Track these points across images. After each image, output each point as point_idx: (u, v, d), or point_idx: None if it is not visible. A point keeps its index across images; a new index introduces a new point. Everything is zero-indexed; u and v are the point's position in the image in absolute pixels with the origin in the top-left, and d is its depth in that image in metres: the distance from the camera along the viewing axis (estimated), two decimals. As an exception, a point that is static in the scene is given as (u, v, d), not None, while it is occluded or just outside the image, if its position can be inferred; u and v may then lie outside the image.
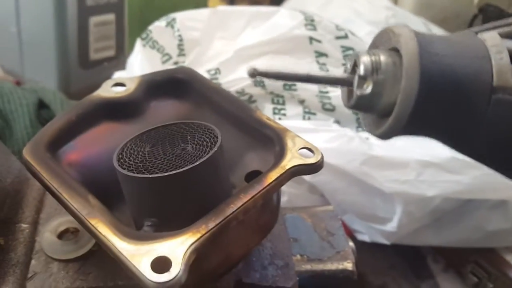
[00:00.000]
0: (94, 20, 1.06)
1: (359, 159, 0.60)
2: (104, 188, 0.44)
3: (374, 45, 0.39)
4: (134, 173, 0.38)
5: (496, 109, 0.34)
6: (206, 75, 0.73)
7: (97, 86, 1.18)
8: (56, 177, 0.39)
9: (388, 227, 0.67)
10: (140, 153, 0.40)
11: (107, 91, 0.49)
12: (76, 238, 0.45)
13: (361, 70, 0.33)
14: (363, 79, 0.33)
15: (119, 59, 1.15)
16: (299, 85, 0.69)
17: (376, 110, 0.36)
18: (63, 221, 0.46)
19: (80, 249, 0.44)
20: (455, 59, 0.34)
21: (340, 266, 0.51)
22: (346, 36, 0.75)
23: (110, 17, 1.09)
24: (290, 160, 0.42)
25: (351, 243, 0.55)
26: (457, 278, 0.84)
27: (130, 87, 0.49)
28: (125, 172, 0.37)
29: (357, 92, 0.34)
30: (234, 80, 0.70)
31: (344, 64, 0.76)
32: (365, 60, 0.34)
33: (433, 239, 0.75)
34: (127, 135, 0.47)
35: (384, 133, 0.37)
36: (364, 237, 0.73)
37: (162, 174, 0.37)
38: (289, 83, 0.68)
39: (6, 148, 0.50)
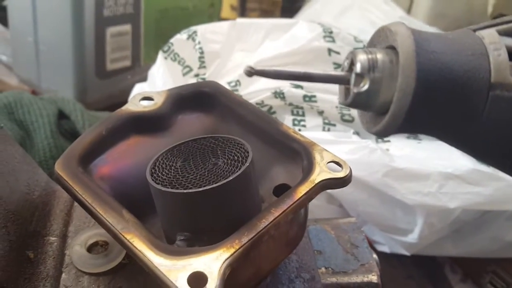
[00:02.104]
0: (111, 30, 1.07)
1: (381, 171, 0.60)
2: (134, 202, 0.44)
3: (372, 44, 0.39)
4: (168, 188, 0.38)
5: (494, 106, 0.34)
6: (226, 87, 0.73)
7: (113, 96, 1.19)
8: (89, 191, 0.40)
9: (409, 238, 0.68)
10: (173, 167, 0.41)
11: (136, 105, 0.49)
12: (106, 251, 0.45)
13: (358, 68, 0.34)
14: (359, 77, 0.34)
15: (135, 70, 1.16)
16: (319, 96, 0.69)
17: (373, 108, 0.36)
18: (92, 234, 0.47)
19: (110, 263, 0.44)
20: (452, 57, 0.34)
21: (365, 279, 0.52)
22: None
23: (127, 27, 1.10)
24: (319, 174, 0.42)
25: (374, 256, 0.55)
26: (475, 289, 0.84)
27: (158, 101, 0.50)
28: (159, 187, 0.38)
29: (354, 89, 0.35)
30: (254, 92, 0.71)
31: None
32: (361, 58, 0.34)
33: (452, 249, 0.75)
34: (155, 148, 0.48)
35: (381, 130, 0.38)
36: (384, 248, 0.73)
37: (197, 189, 0.37)
38: (309, 94, 0.69)
39: (32, 160, 0.51)
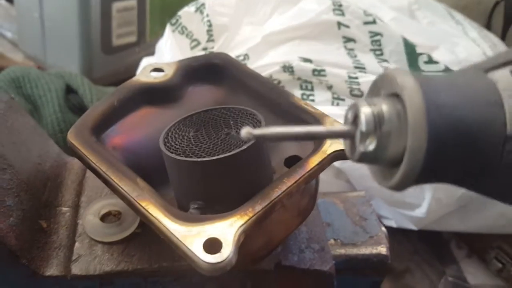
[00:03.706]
0: (116, 5, 1.06)
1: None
2: (146, 172, 0.45)
3: (375, 88, 0.36)
4: (182, 157, 0.38)
5: (510, 158, 0.33)
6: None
7: (119, 72, 1.19)
8: (103, 160, 0.40)
9: (417, 213, 0.68)
10: (185, 137, 0.41)
11: (146, 76, 0.49)
12: (119, 220, 0.46)
13: (363, 126, 0.31)
14: (365, 134, 0.31)
15: (140, 45, 1.15)
16: (328, 70, 0.69)
17: (382, 163, 0.34)
18: (105, 204, 0.47)
19: (123, 232, 0.44)
20: (464, 110, 0.32)
21: (374, 251, 0.52)
22: (374, 22, 0.75)
23: (132, 3, 1.09)
24: (331, 145, 0.42)
25: (383, 228, 0.55)
26: (481, 264, 0.85)
27: (169, 72, 0.50)
28: (174, 156, 0.38)
29: (360, 148, 0.32)
30: (262, 66, 0.70)
31: (372, 50, 0.76)
32: (366, 113, 0.31)
33: (458, 225, 0.76)
34: (166, 119, 0.48)
35: (394, 187, 0.36)
36: (391, 223, 0.73)
37: (211, 157, 0.37)
38: (318, 68, 0.68)
39: (44, 131, 0.51)
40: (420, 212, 0.68)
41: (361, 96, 0.71)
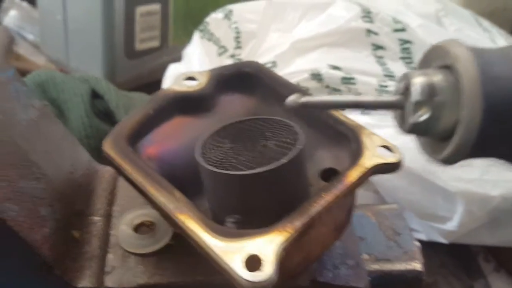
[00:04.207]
0: (140, 10, 1.06)
1: (424, 157, 0.58)
2: (180, 182, 0.44)
3: (426, 61, 0.35)
4: (220, 169, 0.37)
5: None
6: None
7: (142, 76, 1.18)
8: (139, 170, 0.39)
9: (448, 226, 0.66)
10: (222, 149, 0.40)
11: (180, 85, 0.48)
12: (152, 231, 0.45)
13: (415, 95, 0.30)
14: (417, 104, 0.30)
15: (162, 50, 1.15)
16: (358, 78, 0.67)
17: (433, 136, 0.33)
18: (138, 214, 0.47)
19: (157, 243, 0.44)
20: None
21: (409, 267, 0.51)
22: (403, 29, 0.74)
23: (156, 7, 1.09)
24: (370, 159, 0.41)
25: (417, 243, 0.54)
26: (509, 278, 0.83)
27: (202, 81, 0.49)
28: (212, 168, 0.37)
29: (411, 119, 0.31)
30: (290, 73, 0.69)
31: (401, 58, 0.74)
32: (419, 83, 0.30)
33: (488, 238, 0.74)
34: (199, 129, 0.47)
35: (445, 161, 0.35)
36: (421, 236, 0.72)
37: (251, 171, 0.36)
38: (348, 76, 0.67)
39: (74, 138, 0.51)
40: (451, 225, 0.66)
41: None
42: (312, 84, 0.69)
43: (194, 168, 0.41)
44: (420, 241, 0.75)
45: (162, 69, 0.90)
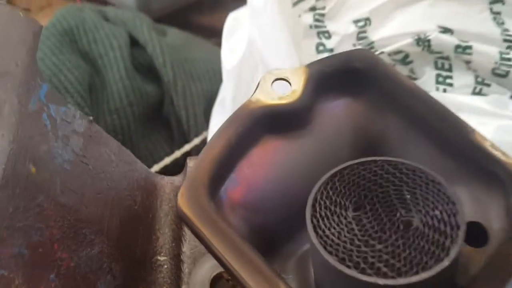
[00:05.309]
0: None
1: None
2: (268, 230, 0.34)
3: None
4: (349, 266, 0.26)
5: None
6: (352, 28, 0.56)
7: (176, 6, 1.01)
8: (229, 245, 0.29)
9: None
10: (342, 220, 0.29)
11: (269, 94, 0.36)
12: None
13: None
14: None
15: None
16: (476, 47, 0.52)
17: None
18: (215, 263, 0.37)
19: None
20: None
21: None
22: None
23: None
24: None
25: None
26: None
27: (297, 87, 0.36)
28: (342, 268, 0.26)
29: None
30: (389, 37, 0.54)
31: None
32: None
33: None
34: (294, 156, 0.36)
35: None
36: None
37: (401, 280, 0.25)
38: (463, 44, 0.52)
39: (129, 153, 0.40)
40: None
41: (505, 75, 0.55)
42: (414, 50, 0.54)
43: (285, 206, 0.34)
44: None
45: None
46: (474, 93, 0.55)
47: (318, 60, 0.38)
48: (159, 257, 0.38)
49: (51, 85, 0.60)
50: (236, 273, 0.28)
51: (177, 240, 0.39)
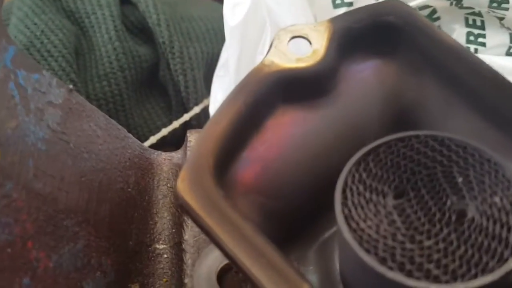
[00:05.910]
0: None
1: None
2: (286, 216, 0.29)
3: None
4: (393, 267, 0.21)
5: None
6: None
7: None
8: (241, 240, 0.24)
9: None
10: (380, 209, 0.23)
11: (285, 55, 0.30)
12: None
13: None
14: None
15: None
16: (512, 2, 0.46)
17: None
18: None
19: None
20: None
21: None
22: None
23: None
24: None
25: None
26: None
27: (318, 47, 0.30)
28: (384, 273, 0.21)
29: None
30: (414, -12, 0.48)
31: None
32: None
33: None
34: (314, 129, 0.31)
35: None
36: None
37: (459, 286, 0.20)
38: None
39: (118, 126, 0.34)
40: None
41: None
42: (443, 4, 0.48)
43: (308, 191, 0.29)
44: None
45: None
46: (509, 53, 0.49)
47: (343, 14, 0.32)
48: (157, 246, 0.33)
49: (33, 49, 0.54)
50: (251, 274, 0.23)
51: (178, 225, 0.34)
